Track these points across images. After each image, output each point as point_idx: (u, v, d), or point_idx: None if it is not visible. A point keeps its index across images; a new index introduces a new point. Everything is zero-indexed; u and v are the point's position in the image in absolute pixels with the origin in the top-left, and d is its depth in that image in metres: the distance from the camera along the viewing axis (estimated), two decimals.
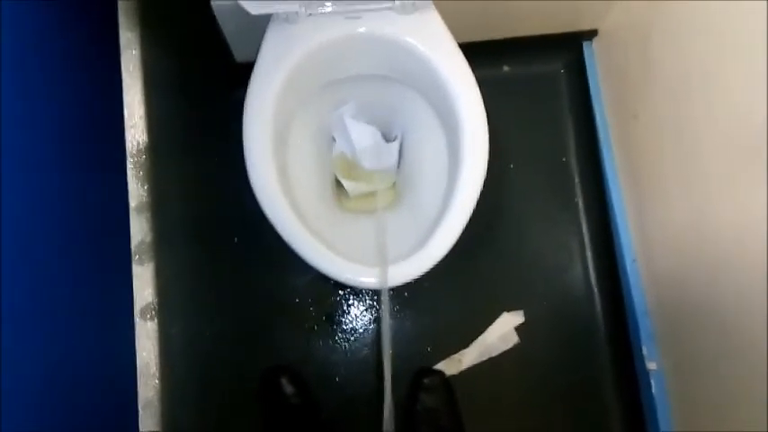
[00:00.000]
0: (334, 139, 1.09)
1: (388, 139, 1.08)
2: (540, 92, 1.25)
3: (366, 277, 0.83)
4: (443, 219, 0.83)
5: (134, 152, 1.12)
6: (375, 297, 1.17)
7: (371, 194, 1.07)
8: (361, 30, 0.87)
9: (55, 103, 0.92)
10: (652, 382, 1.05)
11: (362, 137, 1.05)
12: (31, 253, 0.82)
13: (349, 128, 1.04)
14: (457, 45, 0.87)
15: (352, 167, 1.08)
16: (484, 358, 1.14)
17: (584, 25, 1.19)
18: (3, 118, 0.75)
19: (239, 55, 1.13)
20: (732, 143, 0.77)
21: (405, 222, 0.98)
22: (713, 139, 0.82)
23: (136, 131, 1.11)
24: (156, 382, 1.11)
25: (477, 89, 0.86)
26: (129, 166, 1.11)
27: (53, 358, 0.86)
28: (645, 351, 1.07)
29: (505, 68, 1.25)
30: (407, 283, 0.84)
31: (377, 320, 1.16)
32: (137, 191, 1.11)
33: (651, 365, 1.06)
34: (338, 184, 1.09)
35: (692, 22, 0.84)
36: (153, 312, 1.13)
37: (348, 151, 1.08)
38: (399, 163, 1.08)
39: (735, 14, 0.73)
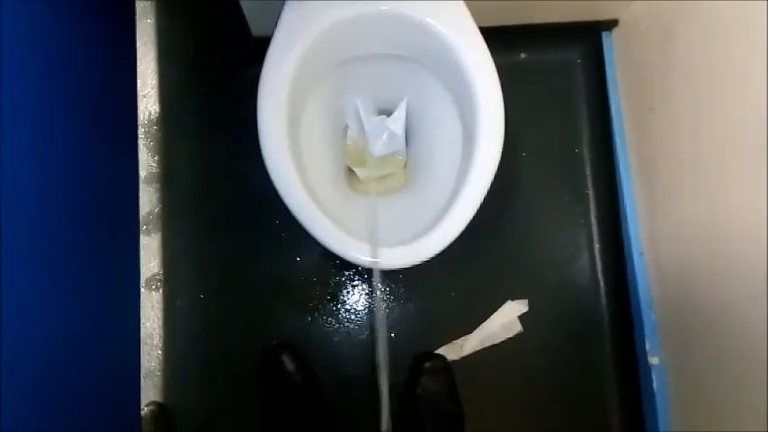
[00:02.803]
0: (347, 127, 1.08)
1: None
2: (556, 81, 1.24)
3: (371, 257, 0.83)
4: (455, 202, 0.83)
5: (146, 122, 1.11)
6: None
7: (383, 177, 1.06)
8: (382, 8, 0.86)
9: (67, 70, 0.92)
10: (653, 376, 1.06)
11: (373, 126, 1.04)
12: (39, 220, 0.82)
13: (362, 116, 1.04)
14: (477, 28, 0.86)
15: (363, 154, 1.07)
16: (486, 345, 1.14)
17: (605, 14, 1.17)
18: (14, 85, 0.75)
19: (256, 29, 1.12)
20: (751, 141, 0.76)
21: (416, 204, 0.98)
22: (732, 135, 0.81)
23: (148, 101, 1.11)
24: (159, 352, 1.12)
25: (496, 75, 0.85)
26: (141, 136, 1.11)
27: (57, 325, 0.87)
28: (648, 345, 1.07)
29: (522, 55, 1.24)
30: (415, 266, 0.83)
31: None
32: (147, 161, 1.11)
33: (653, 360, 1.06)
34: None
35: (717, 16, 0.83)
36: (158, 283, 1.13)
37: (359, 139, 1.07)
38: (412, 144, 1.08)
39: (761, 9, 0.72)
